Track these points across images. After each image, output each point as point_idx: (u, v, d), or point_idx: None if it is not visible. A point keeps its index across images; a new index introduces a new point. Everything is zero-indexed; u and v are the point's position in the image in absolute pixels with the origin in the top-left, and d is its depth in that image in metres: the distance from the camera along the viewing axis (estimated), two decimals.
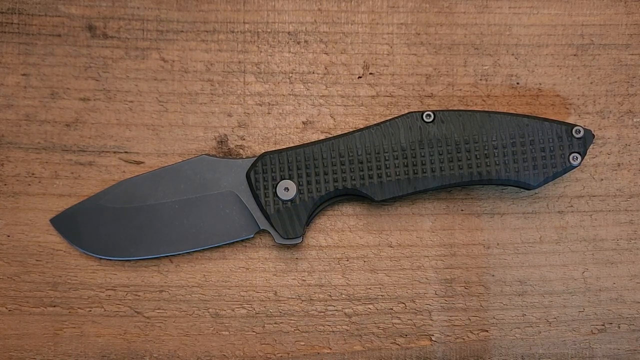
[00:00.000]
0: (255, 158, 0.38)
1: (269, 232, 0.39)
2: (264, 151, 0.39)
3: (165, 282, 0.40)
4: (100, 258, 0.39)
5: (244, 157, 0.40)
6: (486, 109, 0.40)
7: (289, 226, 0.38)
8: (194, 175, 0.39)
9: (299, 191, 0.38)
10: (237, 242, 0.39)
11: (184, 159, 0.39)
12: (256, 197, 0.38)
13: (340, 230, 0.40)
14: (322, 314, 0.40)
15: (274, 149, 0.40)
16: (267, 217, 0.38)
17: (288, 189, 0.38)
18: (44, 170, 0.40)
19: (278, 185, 0.38)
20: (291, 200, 0.38)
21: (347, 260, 0.40)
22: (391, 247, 0.40)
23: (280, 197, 0.38)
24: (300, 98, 0.40)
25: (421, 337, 0.40)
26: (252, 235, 0.39)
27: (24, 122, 0.40)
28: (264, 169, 0.38)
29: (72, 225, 0.39)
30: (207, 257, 0.40)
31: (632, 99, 0.41)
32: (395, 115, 0.39)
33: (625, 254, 0.40)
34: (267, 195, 0.38)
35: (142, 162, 0.40)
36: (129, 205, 0.38)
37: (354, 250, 0.40)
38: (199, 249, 0.39)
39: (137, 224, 0.38)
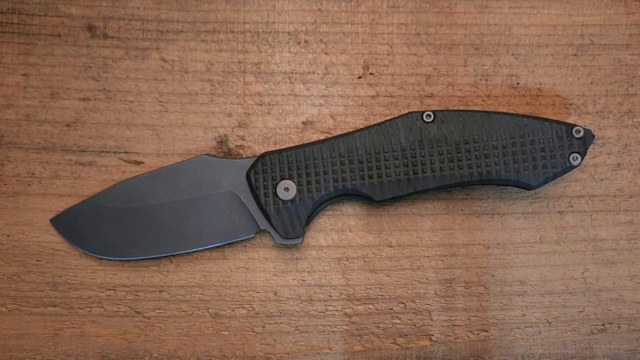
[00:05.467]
0: (255, 158, 0.38)
1: (269, 232, 0.38)
2: (264, 151, 0.39)
3: (165, 282, 0.40)
4: (101, 258, 0.39)
5: (244, 157, 0.40)
6: (486, 109, 0.40)
7: (289, 226, 0.38)
8: (194, 175, 0.39)
9: (298, 191, 0.38)
10: (237, 242, 0.39)
11: (184, 159, 0.39)
12: (256, 197, 0.38)
13: (340, 230, 0.40)
14: (322, 314, 0.40)
15: (274, 149, 0.40)
16: (267, 217, 0.38)
17: (288, 189, 0.38)
18: (44, 170, 0.40)
19: (278, 185, 0.38)
20: (291, 200, 0.38)
21: (347, 260, 0.40)
22: (391, 247, 0.40)
23: (280, 197, 0.38)
24: (300, 98, 0.40)
25: (421, 337, 0.40)
26: (252, 235, 0.39)
27: (24, 122, 0.40)
28: (264, 169, 0.38)
29: (72, 225, 0.39)
30: (207, 257, 0.40)
31: (632, 99, 0.41)
32: (395, 115, 0.39)
33: (625, 254, 0.40)
34: (267, 195, 0.38)
35: (142, 162, 0.40)
36: (129, 205, 0.38)
37: (354, 250, 0.40)
38: (199, 249, 0.39)
39: (137, 224, 0.38)
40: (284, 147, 0.39)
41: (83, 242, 0.39)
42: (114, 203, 0.39)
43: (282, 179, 0.38)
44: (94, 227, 0.39)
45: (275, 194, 0.38)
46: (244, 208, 0.38)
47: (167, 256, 0.39)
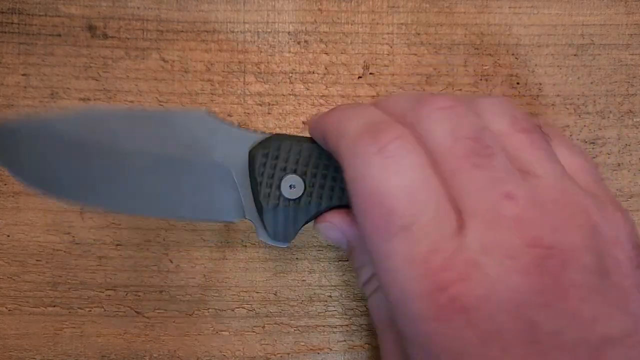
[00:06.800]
0: (266, 136, 0.32)
1: (253, 224, 0.33)
2: (277, 131, 0.34)
3: (165, 282, 0.40)
4: (40, 193, 0.31)
5: (250, 129, 0.35)
6: None
7: (281, 227, 0.32)
8: (186, 131, 0.31)
9: (306, 193, 0.32)
10: (218, 223, 0.35)
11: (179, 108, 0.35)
12: (253, 182, 0.32)
13: None
14: (322, 314, 0.40)
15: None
16: (259, 209, 0.32)
17: (294, 187, 0.32)
18: None
19: (284, 179, 0.32)
20: (294, 200, 0.32)
21: (347, 260, 0.40)
22: None
23: (283, 192, 0.32)
24: (301, 98, 0.40)
25: None
26: (234, 221, 0.33)
27: None
28: (274, 154, 0.32)
29: (12, 143, 0.30)
30: (207, 257, 0.40)
31: (632, 99, 0.41)
32: None
33: None
34: (269, 186, 0.32)
35: None
36: (92, 139, 0.30)
37: None
38: (170, 217, 0.33)
39: (100, 166, 0.30)
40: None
41: (22, 169, 0.31)
42: (75, 131, 0.30)
43: (291, 173, 0.32)
44: (42, 154, 0.30)
45: (278, 187, 0.32)
46: (233, 188, 0.32)
47: (129, 214, 0.32)
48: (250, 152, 0.32)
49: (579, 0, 0.41)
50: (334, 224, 0.32)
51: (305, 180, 0.32)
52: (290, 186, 0.32)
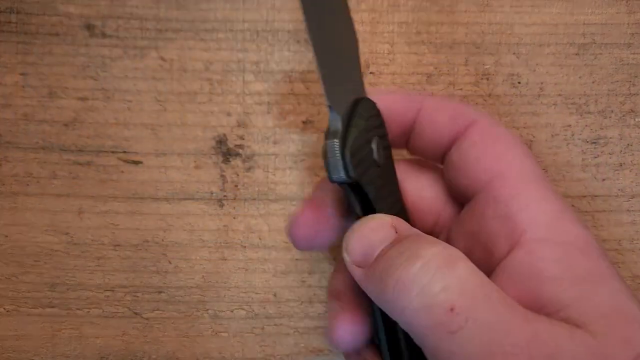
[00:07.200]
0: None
1: (331, 122, 0.28)
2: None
3: (164, 283, 0.39)
4: None
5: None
6: (487, 109, 0.40)
7: (350, 157, 0.27)
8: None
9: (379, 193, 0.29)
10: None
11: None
12: (359, 110, 0.29)
13: None
14: (322, 315, 0.40)
15: (273, 148, 0.39)
16: (344, 124, 0.28)
17: (374, 151, 0.29)
18: (42, 170, 0.40)
19: (379, 138, 0.29)
20: (374, 162, 0.29)
21: None
22: None
23: (373, 148, 0.29)
24: (300, 97, 0.40)
25: None
26: (331, 118, 0.28)
27: (22, 121, 0.40)
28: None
29: None
30: (206, 258, 0.40)
31: (634, 99, 0.41)
32: None
33: (627, 255, 0.40)
34: (368, 128, 0.28)
35: (140, 162, 0.40)
36: None
37: None
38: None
39: None
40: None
41: None
42: None
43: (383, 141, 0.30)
44: None
45: (369, 142, 0.28)
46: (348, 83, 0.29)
47: None
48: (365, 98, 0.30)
49: None
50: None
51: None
52: (378, 148, 0.29)
